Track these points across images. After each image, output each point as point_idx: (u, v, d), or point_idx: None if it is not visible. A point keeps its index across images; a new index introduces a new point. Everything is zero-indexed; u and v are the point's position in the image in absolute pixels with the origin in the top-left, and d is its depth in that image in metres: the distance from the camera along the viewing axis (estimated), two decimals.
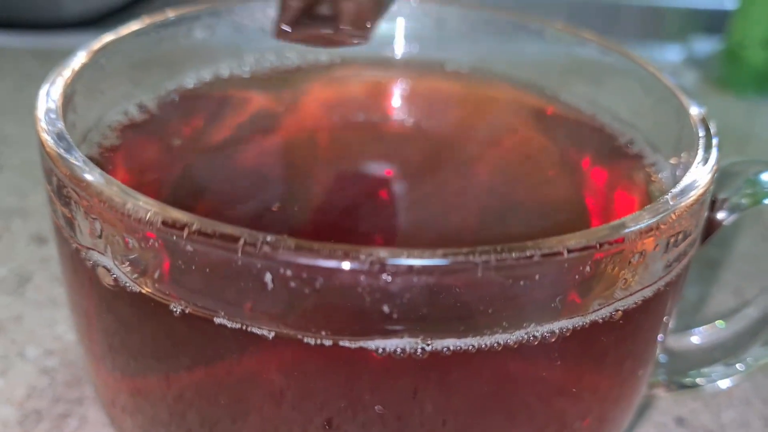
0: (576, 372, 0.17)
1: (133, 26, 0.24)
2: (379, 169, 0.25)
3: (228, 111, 0.26)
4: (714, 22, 0.58)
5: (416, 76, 0.28)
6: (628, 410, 0.21)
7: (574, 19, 0.52)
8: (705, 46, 0.58)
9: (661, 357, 0.24)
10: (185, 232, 0.14)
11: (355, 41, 0.21)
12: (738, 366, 0.23)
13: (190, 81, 0.26)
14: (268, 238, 0.14)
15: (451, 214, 0.23)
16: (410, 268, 0.14)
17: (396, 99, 0.28)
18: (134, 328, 0.17)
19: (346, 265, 0.14)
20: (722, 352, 0.24)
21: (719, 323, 0.24)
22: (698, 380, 0.23)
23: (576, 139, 0.25)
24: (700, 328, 0.25)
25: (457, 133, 0.27)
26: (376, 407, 0.16)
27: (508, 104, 0.27)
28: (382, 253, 0.14)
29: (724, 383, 0.23)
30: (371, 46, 0.29)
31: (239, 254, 0.14)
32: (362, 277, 0.14)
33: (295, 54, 0.28)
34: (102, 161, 0.22)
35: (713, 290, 0.36)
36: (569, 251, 0.15)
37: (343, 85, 0.28)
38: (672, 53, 0.60)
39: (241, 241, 0.14)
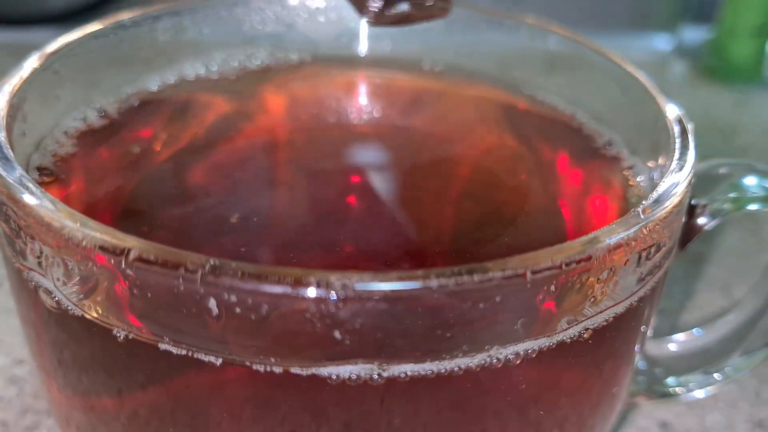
0: (546, 393, 0.17)
1: (89, 28, 0.23)
2: (347, 174, 0.24)
3: (193, 114, 0.25)
4: (703, 12, 0.57)
5: (388, 74, 0.27)
6: (604, 426, 0.20)
7: (562, 7, 0.51)
8: (694, 35, 0.57)
9: (642, 365, 0.23)
10: (124, 258, 0.14)
11: (439, 15, 0.22)
12: (716, 376, 0.22)
13: (152, 84, 0.25)
14: (211, 263, 0.13)
15: (421, 222, 0.22)
16: (361, 293, 0.13)
17: (366, 98, 0.27)
18: (79, 350, 0.16)
19: (293, 291, 0.13)
20: (703, 360, 0.23)
21: (696, 331, 0.23)
22: (677, 389, 0.23)
23: (554, 141, 0.25)
24: (682, 335, 0.24)
25: (429, 135, 0.26)
26: None
27: (482, 104, 0.26)
28: (332, 278, 0.13)
29: (701, 393, 0.22)
30: (342, 43, 0.28)
31: (181, 281, 0.13)
32: (311, 303, 0.13)
33: (264, 53, 0.27)
34: (56, 170, 0.21)
35: (700, 287, 0.35)
36: (532, 273, 0.14)
37: (313, 85, 0.27)
38: (661, 42, 0.59)
39: (183, 268, 0.13)
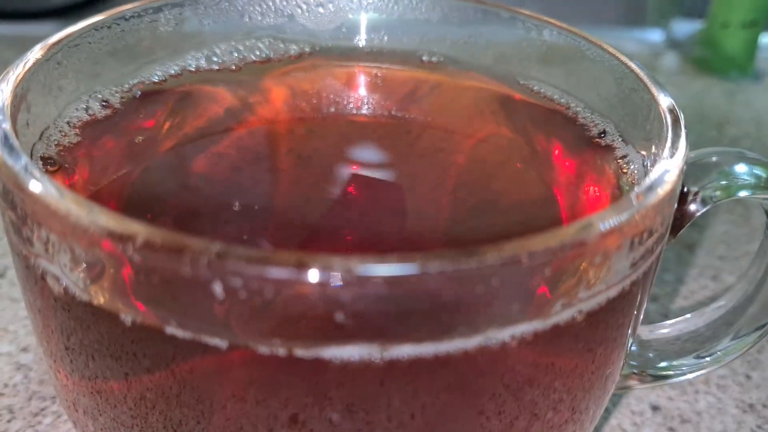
0: (541, 375, 0.17)
1: (92, 19, 0.23)
2: (347, 164, 0.24)
3: (195, 105, 0.26)
4: (695, 5, 0.57)
5: (385, 66, 0.28)
6: (597, 408, 0.20)
7: (557, 2, 0.52)
8: (687, 28, 0.58)
9: (635, 349, 0.24)
10: (131, 244, 0.14)
11: None
12: (707, 360, 0.23)
13: (154, 75, 0.25)
14: (217, 248, 0.14)
15: (420, 209, 0.23)
16: (363, 276, 0.14)
17: (365, 89, 0.27)
18: (86, 335, 0.16)
19: (297, 275, 0.14)
20: (694, 345, 0.23)
21: (688, 316, 0.24)
22: (669, 373, 0.23)
23: (549, 131, 0.25)
24: (674, 320, 0.25)
25: (427, 125, 0.26)
26: (334, 416, 0.16)
27: (479, 94, 0.27)
28: (334, 262, 0.14)
29: (691, 376, 0.23)
30: (341, 35, 0.28)
31: (187, 266, 0.14)
32: (314, 287, 0.14)
33: (264, 44, 0.28)
34: (59, 160, 0.21)
35: (693, 273, 0.36)
36: (528, 257, 0.14)
37: (313, 76, 0.27)
38: (655, 36, 0.60)
39: (188, 253, 0.14)
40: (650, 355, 0.24)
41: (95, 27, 0.23)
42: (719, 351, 0.23)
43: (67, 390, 0.19)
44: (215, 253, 0.14)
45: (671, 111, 0.20)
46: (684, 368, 0.23)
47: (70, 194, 0.15)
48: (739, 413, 0.28)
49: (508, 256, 0.14)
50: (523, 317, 0.16)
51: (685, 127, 0.19)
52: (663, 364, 0.24)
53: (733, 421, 0.28)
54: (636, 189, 0.17)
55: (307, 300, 0.14)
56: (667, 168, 0.18)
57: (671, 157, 0.18)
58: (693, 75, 0.55)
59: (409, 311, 0.15)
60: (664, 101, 0.20)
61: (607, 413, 0.28)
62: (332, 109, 0.27)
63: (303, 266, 0.14)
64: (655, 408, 0.28)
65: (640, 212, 0.16)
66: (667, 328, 0.24)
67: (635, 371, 0.24)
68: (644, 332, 0.24)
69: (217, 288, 0.14)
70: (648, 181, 0.17)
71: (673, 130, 0.19)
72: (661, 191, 0.17)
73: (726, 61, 0.53)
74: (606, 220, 0.16)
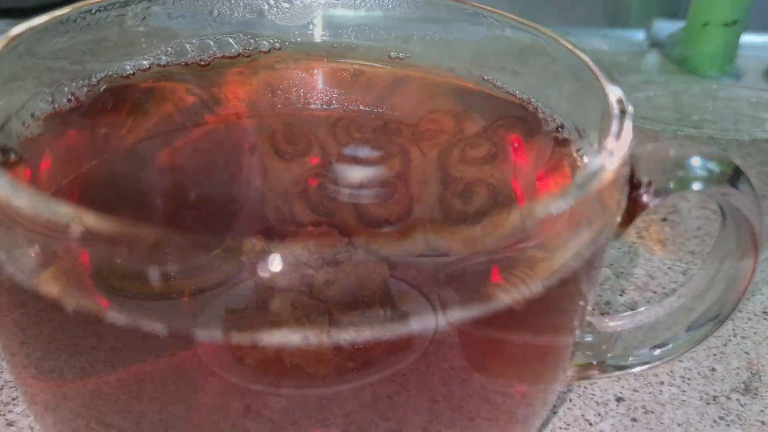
0: (488, 360, 0.18)
1: (56, 12, 0.24)
2: (313, 157, 0.25)
3: (161, 99, 0.26)
4: (677, 6, 0.58)
5: (353, 61, 0.28)
6: (549, 394, 0.21)
7: (544, 5, 0.52)
8: (668, 28, 0.58)
9: (594, 339, 0.24)
10: (70, 232, 0.14)
11: None
12: (660, 350, 0.23)
13: (122, 69, 0.26)
14: (154, 236, 0.14)
15: (382, 198, 0.23)
16: (300, 264, 0.14)
17: (332, 85, 0.28)
18: (35, 325, 0.17)
19: (233, 262, 0.14)
20: (653, 335, 0.24)
21: (647, 307, 0.24)
22: (627, 363, 0.23)
23: (510, 124, 0.25)
24: (634, 311, 0.25)
25: (393, 119, 0.27)
26: (285, 402, 0.16)
27: (444, 90, 0.27)
28: (269, 250, 0.14)
29: (647, 366, 0.23)
30: (309, 31, 0.28)
31: (126, 253, 0.14)
32: (249, 273, 0.14)
33: (233, 39, 0.28)
34: (20, 151, 0.21)
35: (664, 267, 0.36)
36: (468, 245, 0.15)
37: (282, 71, 0.28)
38: (637, 36, 0.60)
39: (127, 240, 0.14)
40: (609, 346, 0.24)
41: (60, 20, 0.23)
42: (674, 342, 0.23)
43: (17, 377, 0.19)
44: (153, 240, 0.14)
45: (619, 102, 0.20)
46: (640, 359, 0.23)
47: (10, 181, 0.15)
48: (703, 405, 0.29)
49: (446, 246, 0.15)
50: (465, 306, 0.16)
51: (632, 119, 0.20)
52: (622, 354, 0.24)
53: (696, 413, 0.28)
54: (576, 179, 0.17)
55: (244, 286, 0.14)
56: (608, 156, 0.18)
57: (614, 146, 0.18)
58: (674, 74, 0.55)
59: (349, 298, 0.15)
60: (614, 94, 0.20)
61: (572, 404, 0.28)
62: (301, 104, 0.27)
63: (235, 252, 0.14)
64: (619, 399, 0.29)
65: (579, 201, 0.17)
66: (626, 320, 0.24)
67: (594, 361, 0.24)
68: (604, 323, 0.25)
69: (155, 275, 0.14)
70: (588, 171, 0.17)
71: (619, 120, 0.19)
72: (603, 179, 0.17)
73: (706, 60, 0.54)
74: (545, 209, 0.16)
